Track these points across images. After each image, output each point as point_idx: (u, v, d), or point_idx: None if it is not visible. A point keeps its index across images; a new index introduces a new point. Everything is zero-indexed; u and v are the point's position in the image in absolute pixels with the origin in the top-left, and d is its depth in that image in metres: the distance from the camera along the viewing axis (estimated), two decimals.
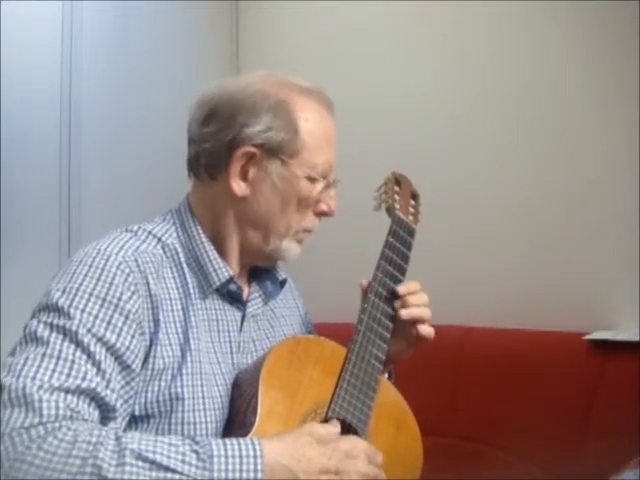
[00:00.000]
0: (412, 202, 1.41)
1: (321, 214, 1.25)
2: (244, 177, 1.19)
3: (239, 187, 1.19)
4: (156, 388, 1.09)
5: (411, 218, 1.37)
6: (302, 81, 1.24)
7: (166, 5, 2.63)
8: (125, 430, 1.06)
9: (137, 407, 1.08)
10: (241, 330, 1.23)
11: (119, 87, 2.49)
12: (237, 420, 1.14)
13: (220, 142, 1.19)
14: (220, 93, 1.21)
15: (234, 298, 1.22)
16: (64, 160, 2.32)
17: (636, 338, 2.00)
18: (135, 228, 1.20)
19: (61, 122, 2.31)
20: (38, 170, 2.25)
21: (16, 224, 2.17)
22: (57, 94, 2.30)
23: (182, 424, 1.10)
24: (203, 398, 1.12)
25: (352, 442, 1.08)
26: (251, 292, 1.27)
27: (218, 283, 1.19)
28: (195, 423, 1.10)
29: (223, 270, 1.19)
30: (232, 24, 2.88)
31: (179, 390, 1.10)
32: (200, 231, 1.21)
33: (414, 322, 1.28)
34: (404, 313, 1.26)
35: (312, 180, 1.20)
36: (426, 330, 1.28)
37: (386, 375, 1.37)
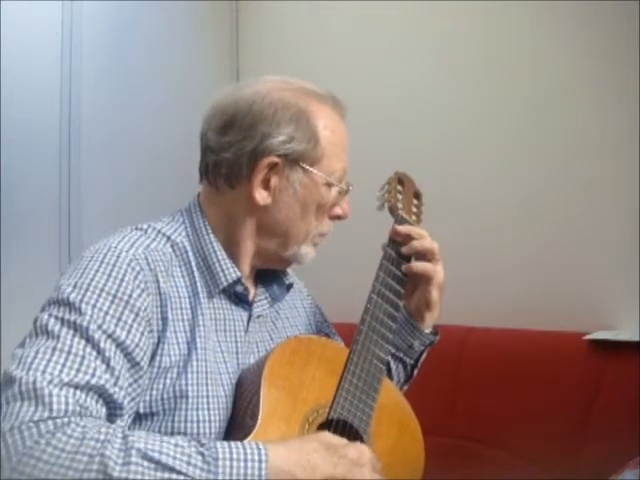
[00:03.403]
0: (415, 202, 1.41)
1: (336, 218, 1.27)
2: (266, 186, 1.19)
3: (261, 196, 1.19)
4: (161, 386, 1.10)
5: (414, 218, 1.38)
6: (316, 87, 1.25)
7: (166, 5, 2.63)
8: (129, 428, 1.06)
9: (142, 404, 1.08)
10: (247, 331, 1.23)
11: (119, 87, 2.48)
12: (239, 419, 1.14)
13: (241, 152, 1.18)
14: (237, 101, 1.20)
15: (240, 299, 1.23)
16: (64, 160, 2.31)
17: (636, 338, 2.00)
18: (145, 226, 1.20)
19: (61, 122, 2.31)
20: (38, 170, 2.25)
21: (16, 224, 2.17)
22: (57, 94, 2.30)
23: (186, 422, 1.10)
24: (207, 397, 1.12)
25: (360, 450, 1.08)
26: (257, 294, 1.27)
27: (225, 284, 1.19)
28: (199, 421, 1.10)
29: (231, 271, 1.19)
30: (232, 24, 2.88)
31: (184, 388, 1.10)
32: (210, 231, 1.21)
33: (416, 257, 1.31)
34: (405, 249, 1.31)
35: (330, 186, 1.22)
36: (419, 266, 1.31)
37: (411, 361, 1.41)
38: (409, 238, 1.31)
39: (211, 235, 1.21)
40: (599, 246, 2.20)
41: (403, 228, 1.32)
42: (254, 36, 2.86)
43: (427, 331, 1.39)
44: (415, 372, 1.43)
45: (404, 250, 1.31)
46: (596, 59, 2.20)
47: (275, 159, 1.18)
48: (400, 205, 1.36)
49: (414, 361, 1.42)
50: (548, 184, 2.28)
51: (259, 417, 1.08)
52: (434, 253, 1.31)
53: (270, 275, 1.30)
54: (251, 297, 1.25)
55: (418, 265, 1.31)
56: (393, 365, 1.40)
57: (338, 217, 1.27)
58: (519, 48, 2.34)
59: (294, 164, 1.19)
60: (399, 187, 1.39)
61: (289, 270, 1.34)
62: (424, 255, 1.31)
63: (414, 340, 1.38)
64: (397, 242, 1.32)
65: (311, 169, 1.19)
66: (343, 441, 1.08)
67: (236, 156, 1.19)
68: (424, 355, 1.43)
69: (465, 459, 2.11)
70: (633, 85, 2.12)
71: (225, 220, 1.22)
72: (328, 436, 1.07)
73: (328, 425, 1.14)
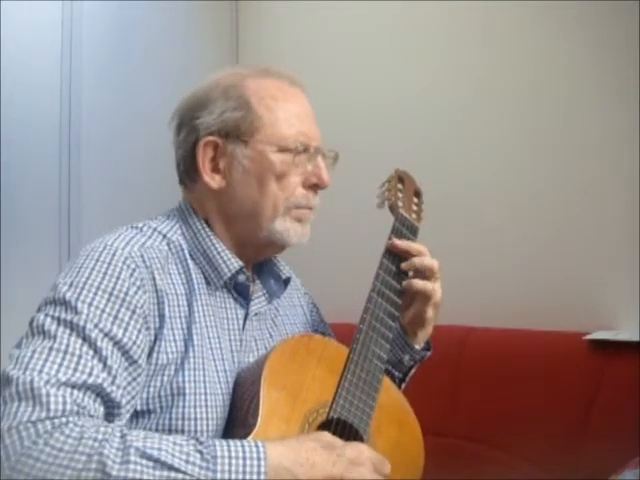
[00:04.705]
0: (415, 200, 1.40)
1: (314, 187, 1.24)
2: (216, 170, 1.20)
3: (213, 180, 1.20)
4: (158, 383, 1.10)
5: (414, 216, 1.37)
6: (264, 65, 1.25)
7: (166, 5, 2.63)
8: (126, 425, 1.06)
9: (139, 402, 1.08)
10: (244, 328, 1.23)
11: (119, 87, 2.48)
12: (239, 419, 1.14)
13: (188, 145, 1.21)
14: (184, 99, 1.24)
15: (240, 293, 1.22)
16: (64, 160, 2.31)
17: (636, 338, 2.00)
18: (140, 225, 1.21)
19: (61, 122, 2.31)
20: (38, 170, 2.25)
21: (16, 224, 2.17)
22: (57, 94, 2.30)
23: (183, 419, 1.10)
24: (205, 394, 1.12)
25: (358, 449, 1.08)
26: (255, 290, 1.26)
27: (229, 274, 1.19)
28: (196, 419, 1.10)
29: (232, 261, 1.20)
30: (232, 24, 2.88)
31: (181, 385, 1.10)
32: (205, 226, 1.22)
33: (414, 275, 1.29)
34: (404, 265, 1.28)
35: (285, 151, 1.20)
36: (419, 284, 1.28)
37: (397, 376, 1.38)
38: (408, 254, 1.29)
39: (207, 229, 1.22)
40: (599, 246, 2.19)
41: (402, 243, 1.29)
42: (254, 36, 2.86)
43: (418, 347, 1.37)
44: (403, 386, 1.41)
45: (403, 266, 1.29)
46: (596, 59, 2.20)
47: (211, 138, 1.19)
48: (400, 203, 1.35)
49: (402, 375, 1.39)
50: (548, 184, 2.27)
51: (259, 417, 1.08)
52: (433, 271, 1.29)
53: (267, 271, 1.30)
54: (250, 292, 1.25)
55: (418, 282, 1.28)
56: None
57: (316, 186, 1.23)
58: (519, 48, 2.34)
59: (234, 139, 1.19)
60: (399, 185, 1.38)
61: (285, 266, 1.34)
62: (423, 272, 1.29)
63: (404, 354, 1.36)
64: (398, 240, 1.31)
65: (252, 139, 1.19)
66: (341, 441, 1.08)
67: (186, 150, 1.22)
68: (413, 370, 1.41)
69: (465, 459, 2.10)
70: (633, 85, 2.12)
71: (204, 214, 1.23)
72: (326, 435, 1.07)
73: (328, 425, 1.14)
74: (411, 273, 1.31)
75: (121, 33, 2.51)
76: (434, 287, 1.29)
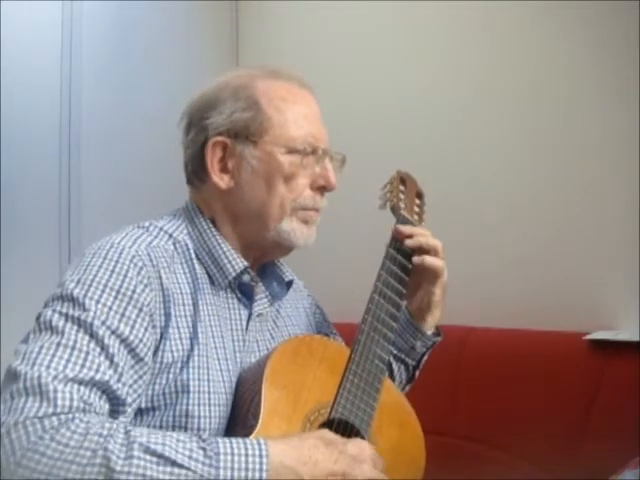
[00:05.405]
0: (417, 201, 1.40)
1: (321, 189, 1.24)
2: (225, 170, 1.21)
3: (222, 180, 1.21)
4: (164, 381, 1.10)
5: (416, 217, 1.37)
6: (273, 67, 1.26)
7: (166, 5, 2.63)
8: (130, 422, 1.06)
9: (144, 399, 1.09)
10: (247, 329, 1.23)
11: (119, 87, 2.48)
12: (240, 419, 1.14)
13: (197, 145, 1.22)
14: (194, 99, 1.24)
15: (244, 293, 1.23)
16: (64, 160, 2.31)
17: (636, 338, 2.00)
18: (146, 224, 1.21)
19: (61, 122, 2.31)
20: (38, 170, 2.25)
21: (16, 224, 2.17)
22: (57, 94, 2.30)
23: (186, 417, 1.10)
24: (208, 393, 1.13)
25: (360, 446, 1.08)
26: (258, 292, 1.26)
27: (234, 273, 1.20)
28: (199, 417, 1.11)
29: (238, 261, 1.20)
30: (232, 24, 2.88)
31: (185, 383, 1.11)
32: (211, 226, 1.23)
33: (420, 253, 1.30)
34: (409, 242, 1.29)
35: (293, 153, 1.20)
36: (431, 259, 1.29)
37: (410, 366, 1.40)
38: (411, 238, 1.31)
39: (213, 229, 1.22)
40: (599, 246, 2.19)
41: (405, 228, 1.31)
42: (254, 36, 2.86)
43: (429, 332, 1.38)
44: (417, 373, 1.43)
45: (409, 243, 1.30)
46: (596, 59, 2.20)
47: (220, 138, 1.19)
48: (402, 205, 1.35)
49: (416, 362, 1.41)
50: (548, 184, 2.27)
51: (260, 417, 1.08)
52: (438, 251, 1.31)
53: (270, 273, 1.31)
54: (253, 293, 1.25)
55: (431, 259, 1.30)
56: (395, 366, 1.40)
57: (323, 188, 1.24)
58: (519, 48, 2.34)
59: (243, 139, 1.19)
60: (401, 186, 1.38)
61: (288, 269, 1.34)
62: (428, 252, 1.31)
63: (416, 341, 1.38)
64: (399, 241, 1.31)
65: (261, 140, 1.19)
66: (342, 439, 1.08)
67: (194, 150, 1.22)
68: (426, 356, 1.43)
69: (465, 459, 2.10)
70: (633, 85, 2.12)
71: (210, 214, 1.24)
72: (327, 433, 1.08)
73: (329, 425, 1.15)
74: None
75: (121, 33, 2.51)
76: (443, 265, 1.31)
